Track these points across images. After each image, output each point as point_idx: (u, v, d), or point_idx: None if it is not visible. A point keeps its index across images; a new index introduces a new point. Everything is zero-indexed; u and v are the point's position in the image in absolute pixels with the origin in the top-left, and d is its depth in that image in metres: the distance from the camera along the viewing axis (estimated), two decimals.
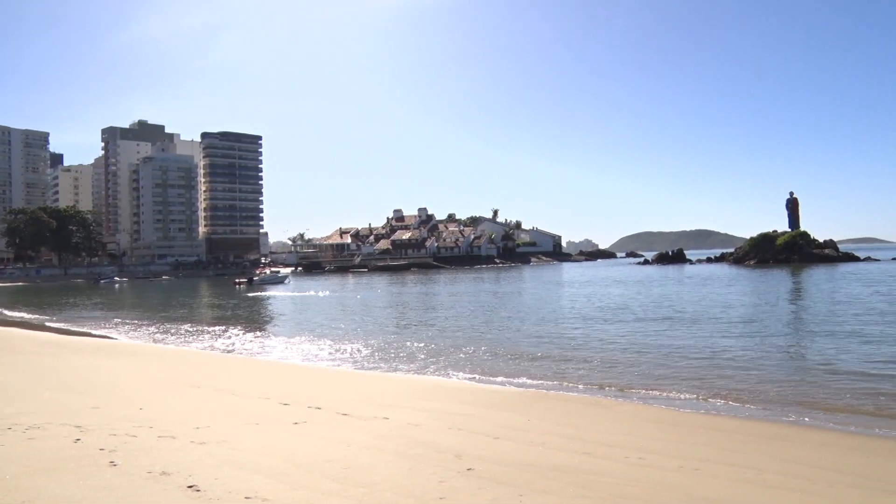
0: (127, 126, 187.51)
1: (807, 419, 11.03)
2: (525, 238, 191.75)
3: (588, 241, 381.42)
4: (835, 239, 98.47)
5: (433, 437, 9.48)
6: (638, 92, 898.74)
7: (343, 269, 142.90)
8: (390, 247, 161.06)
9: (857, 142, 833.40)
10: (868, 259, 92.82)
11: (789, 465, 8.25)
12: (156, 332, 29.02)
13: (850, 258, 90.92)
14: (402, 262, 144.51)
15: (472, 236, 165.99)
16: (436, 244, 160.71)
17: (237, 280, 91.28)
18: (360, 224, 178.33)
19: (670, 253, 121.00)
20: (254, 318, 36.17)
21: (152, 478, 6.85)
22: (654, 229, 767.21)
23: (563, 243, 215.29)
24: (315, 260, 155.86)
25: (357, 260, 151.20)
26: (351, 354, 20.56)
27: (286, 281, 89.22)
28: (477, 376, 16.13)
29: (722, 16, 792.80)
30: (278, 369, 18.07)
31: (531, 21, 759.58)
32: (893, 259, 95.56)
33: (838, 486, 7.37)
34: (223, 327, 30.57)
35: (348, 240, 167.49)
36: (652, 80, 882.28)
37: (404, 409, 11.56)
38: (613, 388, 14.18)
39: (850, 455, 8.85)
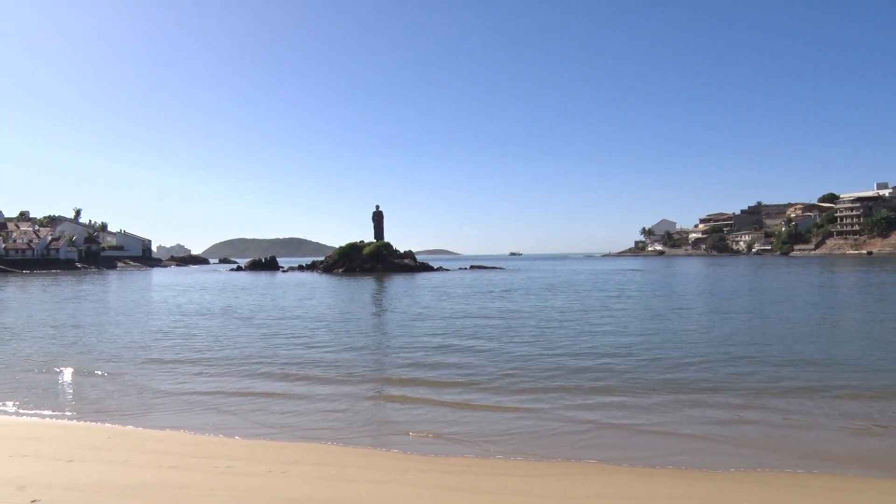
0: None
1: (380, 416, 11.36)
2: (112, 241, 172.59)
3: (180, 247, 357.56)
4: (413, 250, 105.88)
5: None
6: (234, 98, 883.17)
7: None
8: None
9: (432, 159, 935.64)
10: (441, 269, 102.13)
11: (367, 459, 8.58)
12: None
13: (426, 268, 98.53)
14: None
15: (50, 237, 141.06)
16: (4, 246, 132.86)
17: None
18: None
19: (263, 260, 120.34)
20: None
21: None
22: (248, 236, 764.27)
23: (154, 248, 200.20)
24: None
25: None
26: None
27: None
28: (46, 392, 13.10)
29: (324, 32, 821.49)
30: None
31: (118, 10, 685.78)
32: (459, 269, 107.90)
33: (409, 473, 7.87)
34: None
35: None
36: (249, 87, 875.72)
37: None
38: (199, 395, 12.97)
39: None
